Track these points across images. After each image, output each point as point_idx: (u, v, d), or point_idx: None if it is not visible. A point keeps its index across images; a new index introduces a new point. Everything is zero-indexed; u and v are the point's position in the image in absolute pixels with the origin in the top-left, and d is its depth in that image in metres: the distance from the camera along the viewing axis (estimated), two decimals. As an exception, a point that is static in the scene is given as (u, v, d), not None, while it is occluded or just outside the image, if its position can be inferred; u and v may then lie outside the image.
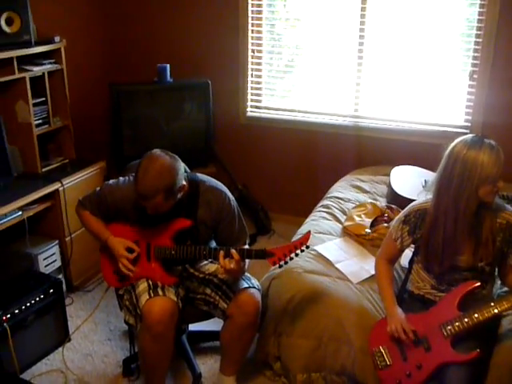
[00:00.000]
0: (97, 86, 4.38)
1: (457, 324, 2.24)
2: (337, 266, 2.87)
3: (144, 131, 4.10)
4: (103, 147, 4.35)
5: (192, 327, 3.09)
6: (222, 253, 2.43)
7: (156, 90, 4.18)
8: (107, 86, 4.07)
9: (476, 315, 2.22)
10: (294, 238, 2.96)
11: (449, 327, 2.26)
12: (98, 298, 3.54)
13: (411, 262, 2.57)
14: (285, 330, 2.74)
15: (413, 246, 2.52)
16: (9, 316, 2.81)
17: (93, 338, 3.25)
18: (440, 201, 2.30)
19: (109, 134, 4.28)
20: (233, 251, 2.43)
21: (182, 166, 2.45)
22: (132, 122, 4.07)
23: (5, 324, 2.77)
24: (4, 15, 3.18)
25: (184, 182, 2.45)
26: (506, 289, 2.60)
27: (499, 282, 2.59)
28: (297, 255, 2.44)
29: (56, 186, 3.39)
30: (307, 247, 2.44)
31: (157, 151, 2.43)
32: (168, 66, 4.11)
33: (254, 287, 2.60)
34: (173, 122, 4.19)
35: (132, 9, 4.51)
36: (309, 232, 2.49)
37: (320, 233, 3.18)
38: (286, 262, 2.44)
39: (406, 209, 2.49)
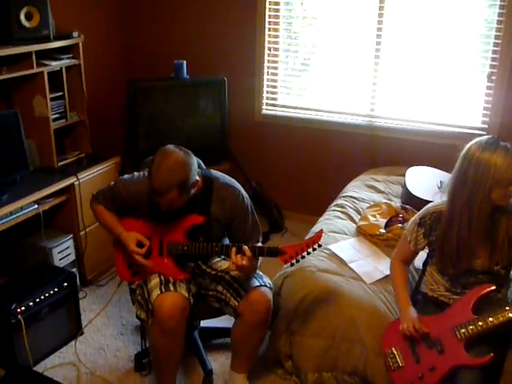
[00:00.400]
0: (113, 82, 4.40)
1: (471, 327, 2.23)
2: (350, 265, 2.86)
3: (159, 127, 4.11)
4: (119, 142, 4.37)
5: (204, 323, 3.10)
6: (234, 249, 2.43)
7: (172, 86, 4.18)
8: (124, 81, 4.09)
9: (490, 319, 2.20)
10: (307, 237, 2.96)
11: (462, 330, 2.24)
12: (110, 292, 3.56)
13: (425, 263, 2.55)
14: (297, 329, 2.74)
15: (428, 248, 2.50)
16: (23, 308, 2.83)
17: (105, 332, 3.26)
18: (454, 203, 2.28)
19: (124, 130, 4.30)
20: (245, 248, 2.42)
21: (195, 162, 2.45)
22: (148, 118, 4.08)
23: (19, 316, 2.80)
24: (24, 10, 3.21)
25: (197, 178, 2.45)
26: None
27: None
28: (309, 254, 2.44)
29: (71, 180, 3.41)
30: (319, 246, 2.43)
31: (170, 147, 2.43)
32: (185, 62, 4.12)
33: (266, 285, 2.59)
34: (188, 118, 4.19)
35: (150, 6, 4.53)
36: (321, 230, 2.48)
37: (334, 232, 3.17)
38: (297, 261, 2.44)
39: (421, 211, 2.47)
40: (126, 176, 2.68)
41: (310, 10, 4.27)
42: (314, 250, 2.43)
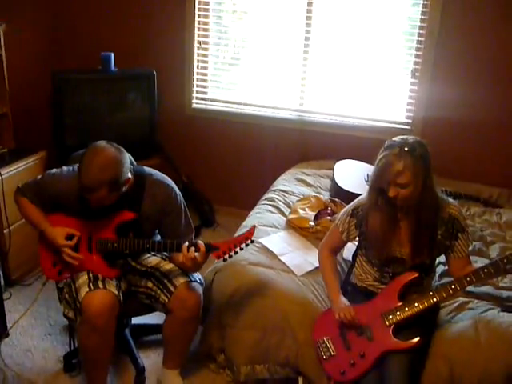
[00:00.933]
0: (39, 73, 4.24)
1: (398, 313, 2.31)
2: (281, 258, 2.90)
3: (87, 121, 4.01)
4: (45, 136, 4.23)
5: (135, 320, 3.06)
6: (185, 244, 2.41)
7: (100, 79, 4.08)
8: (50, 73, 3.95)
9: (416, 304, 2.30)
10: (239, 231, 2.98)
11: (390, 316, 2.32)
12: (37, 291, 3.44)
13: (355, 254, 2.62)
14: (229, 323, 2.74)
15: (357, 239, 2.57)
16: None
17: (32, 333, 3.17)
18: (368, 194, 2.40)
19: (51, 123, 4.17)
20: (200, 243, 2.40)
21: (127, 159, 2.41)
22: (74, 111, 3.97)
23: None
24: None
25: (129, 175, 2.41)
26: (443, 281, 2.69)
27: (437, 275, 2.68)
28: (241, 249, 2.45)
29: (-7, 176, 3.28)
30: (252, 242, 2.44)
31: (102, 143, 2.37)
32: (112, 54, 4.03)
33: (196, 281, 2.58)
34: (117, 112, 4.11)
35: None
36: (253, 226, 2.49)
37: (264, 225, 3.19)
38: (230, 256, 2.44)
39: (353, 202, 2.54)
40: (54, 170, 2.58)
41: (239, 4, 4.27)
42: (247, 245, 2.44)
